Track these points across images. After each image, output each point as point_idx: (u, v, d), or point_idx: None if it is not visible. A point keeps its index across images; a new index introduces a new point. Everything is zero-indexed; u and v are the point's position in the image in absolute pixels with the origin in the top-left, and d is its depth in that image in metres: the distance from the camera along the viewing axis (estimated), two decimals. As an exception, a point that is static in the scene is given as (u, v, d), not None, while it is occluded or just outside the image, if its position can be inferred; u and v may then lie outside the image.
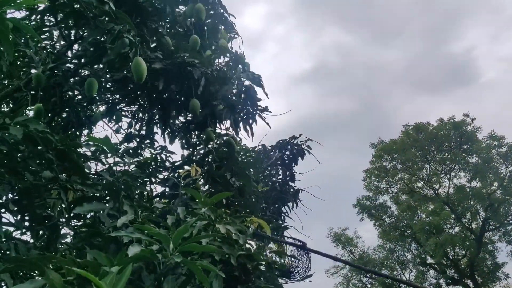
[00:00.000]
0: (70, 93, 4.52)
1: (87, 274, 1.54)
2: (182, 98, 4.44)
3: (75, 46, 4.36)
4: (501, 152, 26.02)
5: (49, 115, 4.44)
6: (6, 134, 2.59)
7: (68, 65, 4.17)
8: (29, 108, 4.29)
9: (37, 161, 2.88)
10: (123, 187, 2.83)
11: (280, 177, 6.25)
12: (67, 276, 1.72)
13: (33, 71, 3.97)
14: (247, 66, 4.92)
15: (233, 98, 4.50)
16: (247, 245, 2.63)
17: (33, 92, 4.07)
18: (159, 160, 5.10)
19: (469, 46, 47.03)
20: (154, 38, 4.15)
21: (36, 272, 2.17)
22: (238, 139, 4.76)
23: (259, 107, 4.64)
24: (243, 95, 4.54)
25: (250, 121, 4.58)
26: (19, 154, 2.80)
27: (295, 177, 6.26)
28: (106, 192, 2.90)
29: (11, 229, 3.20)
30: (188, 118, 5.29)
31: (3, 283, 2.53)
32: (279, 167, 6.28)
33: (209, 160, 4.46)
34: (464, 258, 25.52)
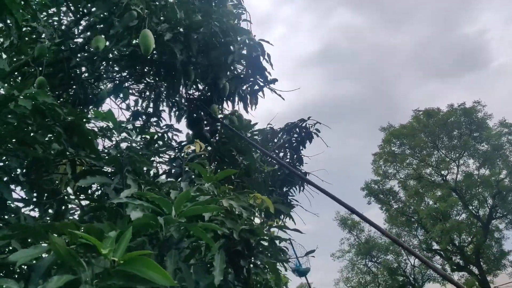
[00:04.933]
0: (77, 70, 4.53)
1: (88, 237, 1.56)
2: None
3: (83, 23, 4.36)
4: (511, 139, 25.80)
5: (57, 92, 4.46)
6: (15, 106, 2.60)
7: (75, 40, 4.17)
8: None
9: (46, 134, 2.91)
10: (127, 162, 2.85)
11: (287, 160, 6.24)
12: (71, 243, 1.75)
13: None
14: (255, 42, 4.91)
15: (239, 66, 4.47)
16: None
17: (40, 69, 4.09)
18: (165, 139, 5.12)
19: (481, 30, 46.34)
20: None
21: (43, 241, 2.21)
22: (243, 116, 4.76)
23: (268, 80, 4.63)
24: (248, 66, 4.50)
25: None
26: (27, 127, 2.83)
27: (303, 160, 6.25)
28: (113, 166, 2.92)
29: (21, 205, 3.23)
30: (195, 96, 5.30)
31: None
32: (287, 150, 6.27)
33: (216, 138, 4.47)
34: (470, 245, 25.51)
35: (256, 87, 4.81)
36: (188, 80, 4.36)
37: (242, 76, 4.74)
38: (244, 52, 4.42)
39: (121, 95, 5.20)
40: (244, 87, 4.84)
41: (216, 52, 4.19)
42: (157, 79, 4.93)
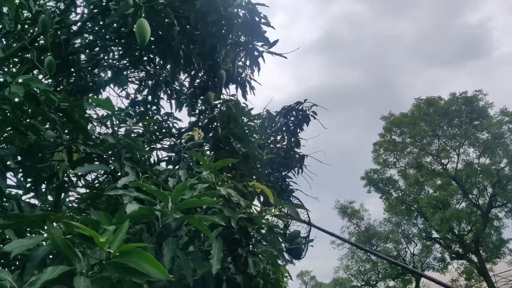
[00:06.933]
0: (75, 56, 4.46)
1: (84, 227, 1.53)
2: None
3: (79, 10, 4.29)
4: (512, 128, 25.75)
5: (57, 79, 4.40)
6: (9, 93, 2.55)
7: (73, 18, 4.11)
8: (35, 71, 4.24)
9: (44, 122, 2.86)
10: (125, 149, 2.81)
11: (285, 143, 6.21)
12: (67, 234, 1.72)
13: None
14: None
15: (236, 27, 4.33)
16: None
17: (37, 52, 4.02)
18: (165, 126, 5.08)
19: (484, 18, 46.03)
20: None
21: (39, 230, 2.18)
22: (242, 103, 4.69)
23: (269, 41, 4.53)
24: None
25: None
26: (22, 114, 2.78)
27: (300, 143, 6.21)
28: (110, 153, 2.88)
29: (21, 192, 3.20)
30: (195, 84, 5.23)
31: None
32: (284, 133, 6.23)
33: (214, 126, 4.42)
34: (469, 234, 25.58)
35: (256, 53, 4.68)
36: (187, 65, 4.28)
37: (241, 40, 4.59)
38: (241, 14, 4.28)
39: (119, 82, 5.14)
40: (242, 55, 4.70)
41: (213, 16, 4.05)
42: (157, 66, 4.86)
